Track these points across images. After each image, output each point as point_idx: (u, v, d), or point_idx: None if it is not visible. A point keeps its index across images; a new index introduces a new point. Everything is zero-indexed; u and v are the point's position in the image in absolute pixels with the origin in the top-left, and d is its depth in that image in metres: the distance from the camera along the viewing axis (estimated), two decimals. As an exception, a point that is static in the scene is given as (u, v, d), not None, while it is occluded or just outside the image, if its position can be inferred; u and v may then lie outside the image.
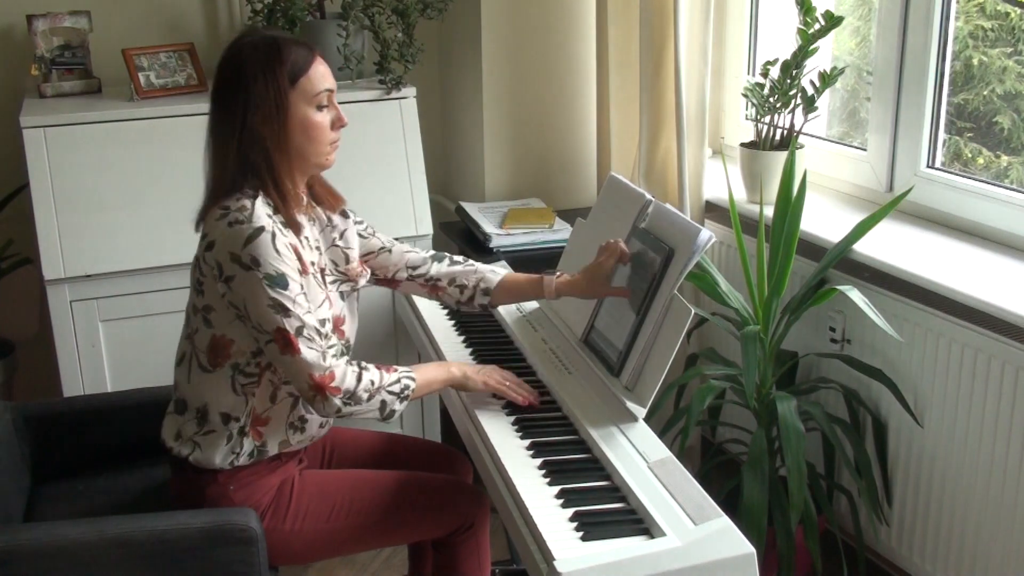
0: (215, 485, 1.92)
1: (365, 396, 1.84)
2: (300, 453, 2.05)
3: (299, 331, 1.79)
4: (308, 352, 1.79)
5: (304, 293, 1.83)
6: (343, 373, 1.82)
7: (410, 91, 2.94)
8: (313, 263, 1.92)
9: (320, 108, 1.88)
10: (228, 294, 1.82)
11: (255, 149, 1.85)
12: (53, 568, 1.77)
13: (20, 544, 1.77)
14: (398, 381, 1.90)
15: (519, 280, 2.18)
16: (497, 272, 2.20)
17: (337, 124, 1.92)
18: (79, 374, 2.67)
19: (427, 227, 2.93)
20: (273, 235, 1.80)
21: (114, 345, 2.69)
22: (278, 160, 1.87)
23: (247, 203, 1.83)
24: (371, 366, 1.88)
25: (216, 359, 1.89)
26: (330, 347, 1.85)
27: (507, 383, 2.02)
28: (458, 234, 3.07)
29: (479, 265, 2.22)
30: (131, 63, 2.84)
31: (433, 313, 2.47)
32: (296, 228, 1.89)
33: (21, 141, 2.60)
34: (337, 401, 1.82)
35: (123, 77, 2.88)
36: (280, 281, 1.79)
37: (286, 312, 1.79)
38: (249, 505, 1.92)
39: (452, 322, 2.42)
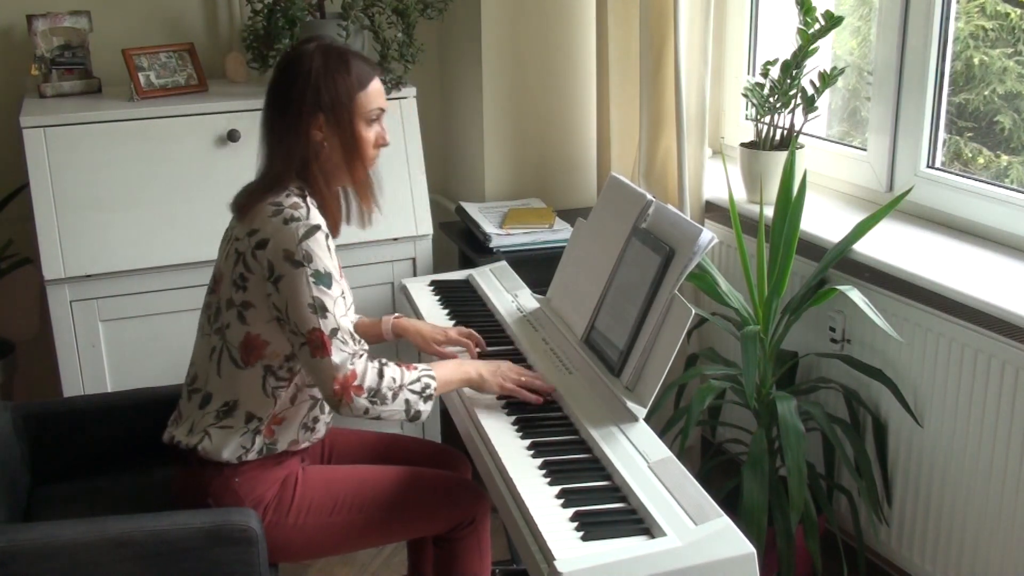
0: (219, 478, 1.93)
1: (389, 395, 1.85)
2: (303, 451, 2.05)
3: (333, 333, 1.82)
4: (337, 355, 1.82)
5: (343, 296, 1.88)
6: (364, 370, 1.84)
7: (410, 91, 2.94)
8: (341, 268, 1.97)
9: (369, 123, 1.94)
10: (274, 295, 1.85)
11: (308, 151, 1.90)
12: (53, 568, 1.77)
13: (20, 544, 1.76)
14: (419, 380, 1.90)
15: (364, 323, 2.27)
16: (352, 317, 2.24)
17: (379, 142, 1.97)
18: (79, 374, 2.67)
19: (427, 227, 2.93)
20: (327, 235, 1.87)
21: (114, 345, 2.69)
22: (326, 165, 1.93)
23: (298, 200, 1.88)
24: (391, 363, 1.90)
25: (249, 357, 1.90)
26: (364, 350, 1.87)
27: (523, 379, 2.03)
28: (458, 234, 3.07)
29: None
30: (131, 63, 2.84)
31: (434, 313, 2.47)
32: (335, 232, 1.96)
33: (21, 141, 2.60)
34: (364, 401, 1.83)
35: (123, 77, 2.88)
36: (326, 280, 1.83)
37: (324, 312, 1.82)
38: (252, 499, 1.93)
39: (453, 322, 2.42)
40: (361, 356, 1.85)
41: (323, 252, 1.84)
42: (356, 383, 1.82)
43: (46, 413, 2.23)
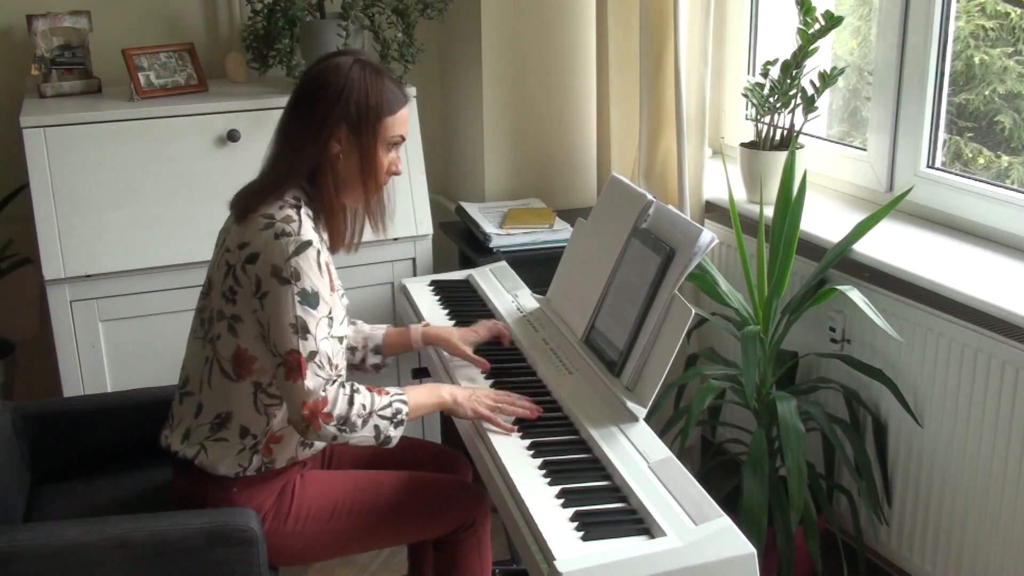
0: (218, 489, 1.92)
1: (359, 422, 1.83)
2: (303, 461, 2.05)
3: (311, 356, 1.79)
4: (312, 379, 1.79)
5: (329, 317, 1.84)
6: (335, 398, 1.81)
7: (410, 91, 2.94)
8: (338, 281, 1.95)
9: (387, 149, 1.93)
10: (259, 311, 1.83)
11: (323, 161, 1.88)
12: (53, 568, 1.77)
13: (20, 544, 1.76)
14: (390, 405, 1.88)
15: (392, 334, 2.23)
16: (379, 328, 2.24)
17: (392, 169, 1.96)
18: (79, 374, 2.67)
19: (427, 227, 2.93)
20: (319, 251, 1.83)
21: (114, 345, 2.69)
22: (338, 179, 1.90)
23: (291, 213, 1.84)
24: (362, 388, 1.87)
25: (240, 370, 1.89)
26: (337, 376, 1.84)
27: (499, 407, 1.96)
28: (458, 234, 3.07)
29: (361, 324, 2.25)
30: (131, 63, 2.84)
31: (434, 313, 2.47)
32: (335, 247, 1.94)
33: (21, 141, 2.60)
34: (332, 428, 1.81)
35: (123, 77, 2.88)
36: (312, 300, 1.80)
37: (305, 334, 1.79)
38: (250, 507, 1.92)
39: (453, 323, 2.42)
40: (334, 382, 1.82)
41: (312, 270, 1.80)
42: (326, 410, 1.79)
43: (46, 413, 2.23)
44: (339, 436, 1.83)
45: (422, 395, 1.95)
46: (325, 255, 1.87)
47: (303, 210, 1.86)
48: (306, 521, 1.96)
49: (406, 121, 1.94)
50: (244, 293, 1.84)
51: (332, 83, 1.86)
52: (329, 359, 1.82)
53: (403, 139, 1.95)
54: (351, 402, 1.82)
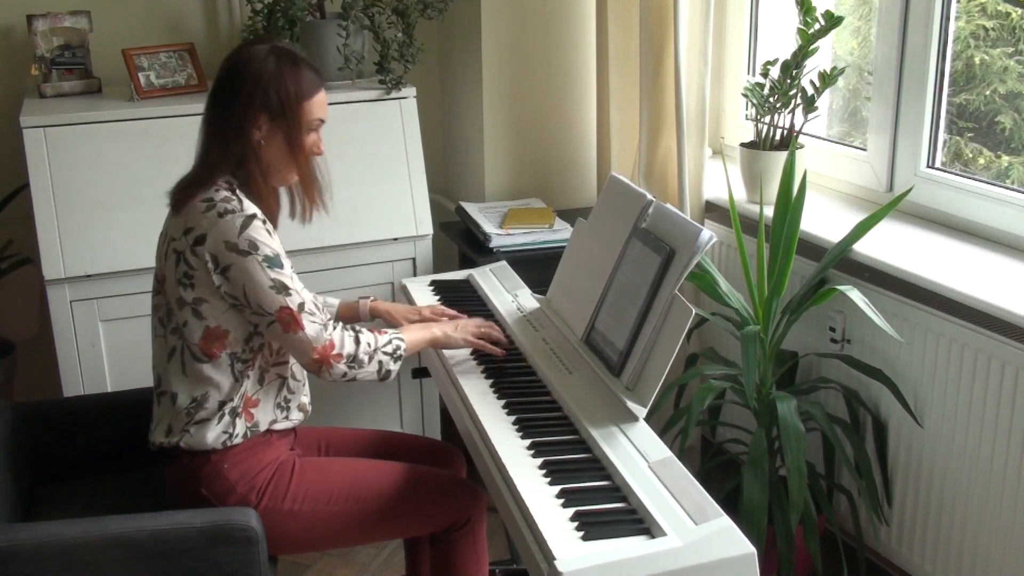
0: (209, 465, 1.95)
1: (366, 358, 1.97)
2: (290, 437, 2.07)
3: (301, 307, 1.89)
4: (311, 327, 1.90)
5: (293, 271, 1.93)
6: (341, 339, 1.94)
7: (410, 91, 2.94)
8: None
9: (307, 132, 1.97)
10: (224, 285, 1.88)
11: (246, 150, 1.93)
12: (53, 568, 1.77)
13: (20, 544, 1.77)
14: (390, 342, 2.02)
15: (343, 307, 2.37)
16: (331, 302, 2.35)
17: (313, 151, 2.01)
18: (79, 374, 2.67)
19: (427, 227, 2.93)
20: (264, 220, 1.91)
21: (114, 345, 2.69)
22: (264, 165, 1.96)
23: (228, 194, 1.91)
24: (364, 329, 2.01)
25: (211, 349, 1.92)
26: (327, 319, 1.94)
27: (484, 332, 2.18)
28: (458, 234, 3.07)
29: (316, 296, 2.29)
30: (131, 63, 2.84)
31: (433, 313, 2.47)
32: (273, 222, 2.00)
33: (21, 141, 2.60)
34: (342, 366, 1.93)
35: (123, 77, 2.88)
36: (277, 262, 1.89)
37: (287, 291, 1.88)
38: (244, 484, 1.95)
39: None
40: (335, 327, 1.94)
41: (265, 238, 1.89)
42: (335, 351, 1.93)
43: (46, 413, 2.23)
44: (348, 372, 1.96)
45: (416, 333, 2.12)
46: (268, 224, 1.94)
47: (238, 191, 1.93)
48: (304, 501, 1.98)
49: (324, 104, 2.00)
50: (200, 274, 1.89)
51: (248, 74, 1.92)
52: (315, 305, 1.93)
53: (322, 122, 2.00)
54: (357, 341, 1.96)
